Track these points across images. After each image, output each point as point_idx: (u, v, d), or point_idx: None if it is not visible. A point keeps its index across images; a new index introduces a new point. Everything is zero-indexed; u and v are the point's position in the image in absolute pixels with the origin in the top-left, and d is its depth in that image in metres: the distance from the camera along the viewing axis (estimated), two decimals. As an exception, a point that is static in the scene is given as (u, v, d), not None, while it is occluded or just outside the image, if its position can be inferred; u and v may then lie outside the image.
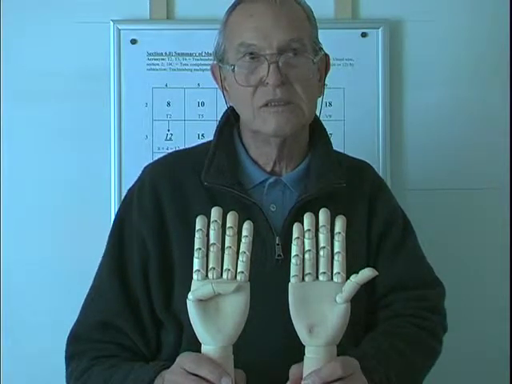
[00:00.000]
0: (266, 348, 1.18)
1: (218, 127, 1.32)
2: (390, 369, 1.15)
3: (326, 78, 1.31)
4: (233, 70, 1.21)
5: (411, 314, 1.27)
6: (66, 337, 1.27)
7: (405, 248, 1.32)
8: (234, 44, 1.21)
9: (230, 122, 1.31)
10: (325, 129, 1.33)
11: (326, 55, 1.29)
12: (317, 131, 1.32)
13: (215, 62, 1.28)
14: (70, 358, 1.26)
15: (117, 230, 1.29)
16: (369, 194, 1.32)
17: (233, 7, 1.25)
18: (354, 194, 1.29)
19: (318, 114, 1.33)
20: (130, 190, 1.32)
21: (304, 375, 1.02)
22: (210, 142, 1.31)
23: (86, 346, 1.24)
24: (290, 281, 1.04)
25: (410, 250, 1.33)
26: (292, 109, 1.20)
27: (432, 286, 1.34)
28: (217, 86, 1.31)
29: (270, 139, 1.24)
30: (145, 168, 1.33)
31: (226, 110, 1.32)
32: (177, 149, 1.53)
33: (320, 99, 1.29)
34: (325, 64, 1.29)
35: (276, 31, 1.19)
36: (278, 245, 1.22)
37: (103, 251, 1.29)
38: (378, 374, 1.12)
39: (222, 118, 1.33)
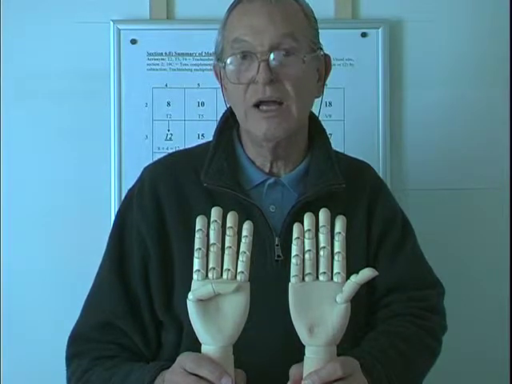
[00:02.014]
0: (266, 348, 1.18)
1: (217, 128, 1.32)
2: (390, 368, 1.15)
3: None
4: (224, 67, 1.22)
5: (411, 314, 1.27)
6: (67, 337, 1.27)
7: (404, 248, 1.32)
8: (229, 41, 1.22)
9: (229, 122, 1.31)
10: (324, 129, 1.33)
11: (327, 56, 1.29)
12: (316, 132, 1.32)
13: (215, 62, 1.28)
14: (70, 358, 1.26)
15: (117, 230, 1.29)
16: (368, 194, 1.32)
17: (231, 7, 1.25)
18: (354, 194, 1.29)
19: (317, 114, 1.33)
20: (130, 190, 1.32)
21: (304, 375, 1.02)
22: (210, 142, 1.31)
23: (87, 346, 1.24)
24: (289, 281, 1.04)
25: (409, 250, 1.33)
26: (283, 112, 1.20)
27: (431, 286, 1.34)
28: (217, 86, 1.31)
29: (262, 143, 1.24)
30: (145, 168, 1.33)
31: (226, 111, 1.32)
32: (177, 149, 1.54)
33: (319, 99, 1.29)
34: (324, 64, 1.28)
35: (268, 28, 1.19)
36: (277, 245, 1.22)
37: (103, 251, 1.29)
38: (378, 374, 1.12)
39: (221, 119, 1.33)
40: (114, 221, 1.31)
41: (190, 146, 1.40)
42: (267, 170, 1.28)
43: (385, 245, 1.30)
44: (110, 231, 1.30)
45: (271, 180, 1.27)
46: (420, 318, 1.27)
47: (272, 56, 1.18)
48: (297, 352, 1.04)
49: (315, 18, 1.27)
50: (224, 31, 1.25)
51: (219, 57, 1.26)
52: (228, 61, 1.21)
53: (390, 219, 1.32)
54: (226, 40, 1.23)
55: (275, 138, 1.21)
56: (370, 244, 1.29)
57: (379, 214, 1.31)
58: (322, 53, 1.26)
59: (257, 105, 1.20)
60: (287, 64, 1.20)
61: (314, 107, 1.31)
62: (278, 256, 1.21)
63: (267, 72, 1.18)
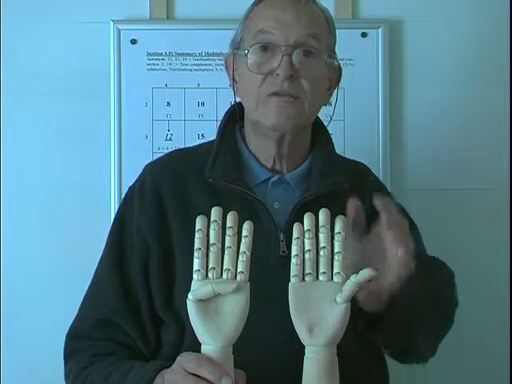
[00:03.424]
0: (267, 348, 1.18)
1: (220, 125, 1.32)
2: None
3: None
4: (246, 54, 1.22)
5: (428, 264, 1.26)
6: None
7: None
8: (252, 31, 1.23)
9: (233, 119, 1.32)
10: (327, 131, 1.34)
11: (340, 68, 1.30)
12: (319, 132, 1.33)
13: (230, 52, 1.29)
14: (68, 355, 1.26)
15: (117, 227, 1.29)
16: (370, 193, 1.32)
17: (257, 2, 1.27)
18: (356, 194, 1.29)
19: (325, 123, 1.34)
20: (130, 188, 1.32)
21: (304, 376, 1.02)
22: (212, 141, 1.31)
23: (85, 343, 1.24)
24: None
25: (415, 238, 1.34)
26: (295, 105, 1.21)
27: (443, 263, 1.34)
28: (217, 86, 1.31)
29: (269, 132, 1.24)
30: (146, 166, 1.34)
31: (228, 109, 1.33)
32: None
33: (326, 107, 1.30)
34: (337, 75, 1.30)
35: (295, 26, 1.21)
36: (282, 241, 1.21)
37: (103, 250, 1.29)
38: None
39: (224, 117, 1.33)
40: (114, 218, 1.32)
41: (191, 145, 1.40)
42: (270, 167, 1.28)
43: None
44: (109, 229, 1.30)
45: (275, 177, 1.27)
46: (438, 270, 1.27)
47: (295, 52, 1.20)
48: (297, 351, 1.04)
49: (335, 28, 1.29)
50: (247, 22, 1.26)
51: (237, 46, 1.26)
52: (250, 50, 1.22)
53: None
54: (248, 30, 1.24)
55: (282, 128, 1.22)
56: None
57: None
58: (336, 62, 1.28)
59: (271, 94, 1.21)
60: (308, 63, 1.21)
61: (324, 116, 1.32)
62: (283, 252, 1.21)
63: (289, 67, 1.19)
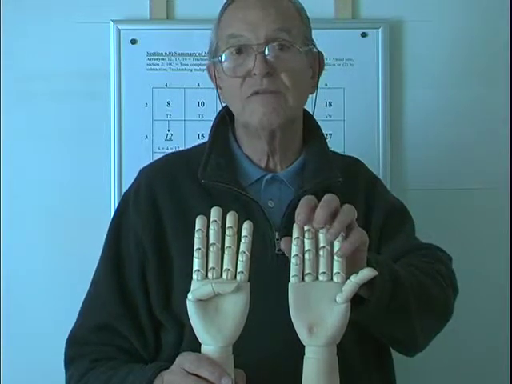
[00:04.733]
0: (266, 348, 1.18)
1: (212, 127, 1.32)
2: (397, 269, 1.12)
3: (326, 79, 1.31)
4: (220, 60, 1.22)
5: (421, 260, 1.25)
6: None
7: (404, 229, 1.33)
8: (224, 37, 1.23)
9: (224, 121, 1.32)
10: (319, 126, 1.34)
11: (320, 53, 1.30)
12: (311, 129, 1.32)
13: (210, 61, 1.29)
14: (68, 361, 1.26)
15: (113, 232, 1.28)
16: (365, 188, 1.33)
17: (225, 6, 1.27)
18: (350, 189, 1.29)
19: (312, 113, 1.33)
20: (125, 193, 1.32)
21: (304, 376, 1.02)
22: (205, 143, 1.31)
23: (85, 349, 1.24)
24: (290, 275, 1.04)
25: (409, 231, 1.34)
26: (278, 99, 1.21)
27: (439, 249, 1.33)
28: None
29: (259, 132, 1.24)
30: (140, 170, 1.33)
31: (220, 110, 1.33)
32: (177, 149, 1.54)
33: (313, 97, 1.30)
34: (318, 62, 1.29)
35: (264, 22, 1.20)
36: (277, 240, 1.21)
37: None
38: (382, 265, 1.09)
39: (216, 118, 1.33)
40: (110, 224, 1.31)
41: (184, 148, 1.41)
42: (263, 165, 1.28)
43: (385, 235, 1.30)
44: (106, 234, 1.30)
45: (269, 176, 1.27)
46: (430, 263, 1.24)
47: (268, 49, 1.20)
48: (297, 351, 1.04)
49: (307, 16, 1.28)
50: (218, 30, 1.26)
51: (214, 54, 1.27)
52: (224, 55, 1.22)
53: (388, 212, 1.32)
54: (221, 37, 1.24)
55: (271, 124, 1.22)
56: (372, 237, 1.28)
57: (378, 206, 1.31)
58: (315, 49, 1.28)
59: (252, 94, 1.21)
60: (283, 57, 1.21)
61: (309, 107, 1.31)
62: (279, 250, 1.21)
63: (264, 64, 1.19)
